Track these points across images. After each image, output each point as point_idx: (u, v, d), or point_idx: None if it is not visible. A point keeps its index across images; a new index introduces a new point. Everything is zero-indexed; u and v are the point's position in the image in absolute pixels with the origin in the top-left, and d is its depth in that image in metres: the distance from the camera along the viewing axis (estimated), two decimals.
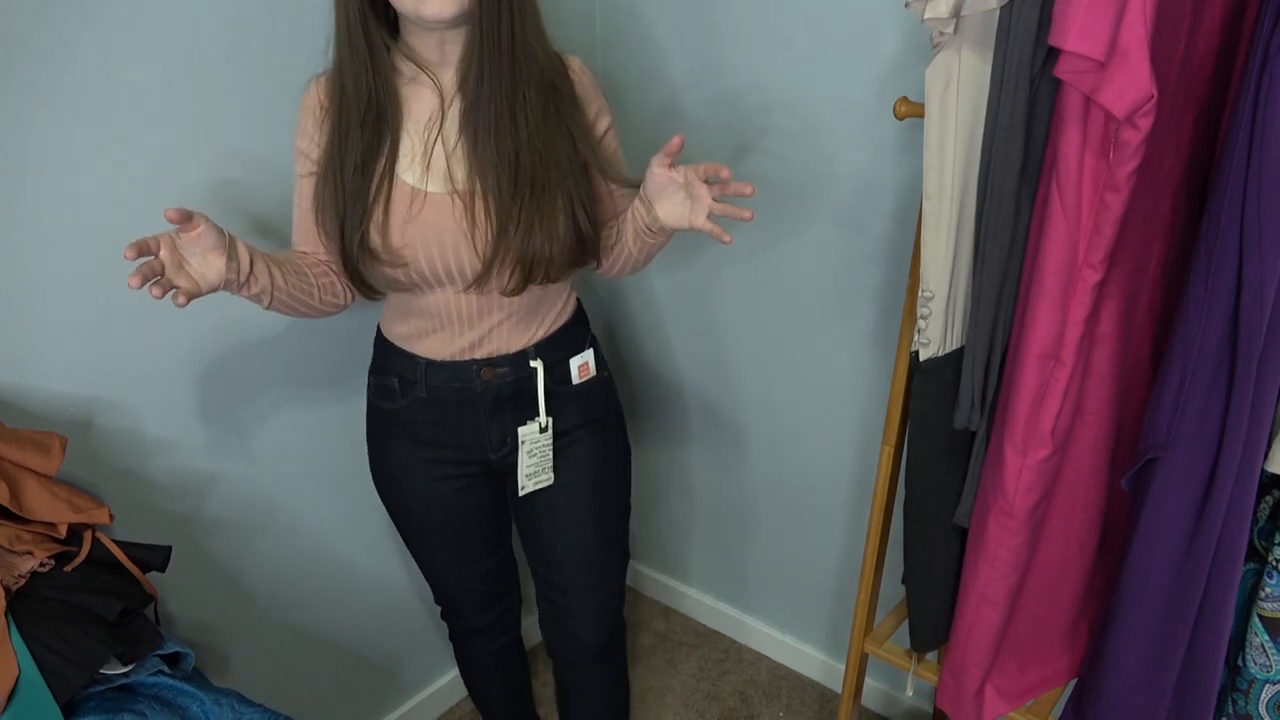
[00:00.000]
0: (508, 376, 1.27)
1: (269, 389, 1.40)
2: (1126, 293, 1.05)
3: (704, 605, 2.17)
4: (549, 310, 1.29)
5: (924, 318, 1.16)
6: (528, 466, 1.31)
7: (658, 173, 1.14)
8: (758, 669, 2.05)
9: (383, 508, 1.60)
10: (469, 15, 1.07)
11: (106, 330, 1.18)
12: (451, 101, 1.15)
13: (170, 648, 1.04)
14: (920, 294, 1.15)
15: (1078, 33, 0.84)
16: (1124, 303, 1.05)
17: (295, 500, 1.49)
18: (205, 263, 1.03)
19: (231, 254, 1.06)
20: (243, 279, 1.08)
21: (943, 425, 1.21)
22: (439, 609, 1.51)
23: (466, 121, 1.13)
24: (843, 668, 1.68)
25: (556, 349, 1.30)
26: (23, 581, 0.96)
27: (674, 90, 1.68)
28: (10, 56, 1.02)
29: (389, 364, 1.30)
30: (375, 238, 1.14)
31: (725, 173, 1.10)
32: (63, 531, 1.03)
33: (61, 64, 1.06)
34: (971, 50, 1.02)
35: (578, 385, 1.33)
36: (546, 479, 1.33)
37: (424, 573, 1.47)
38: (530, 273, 1.17)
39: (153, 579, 1.11)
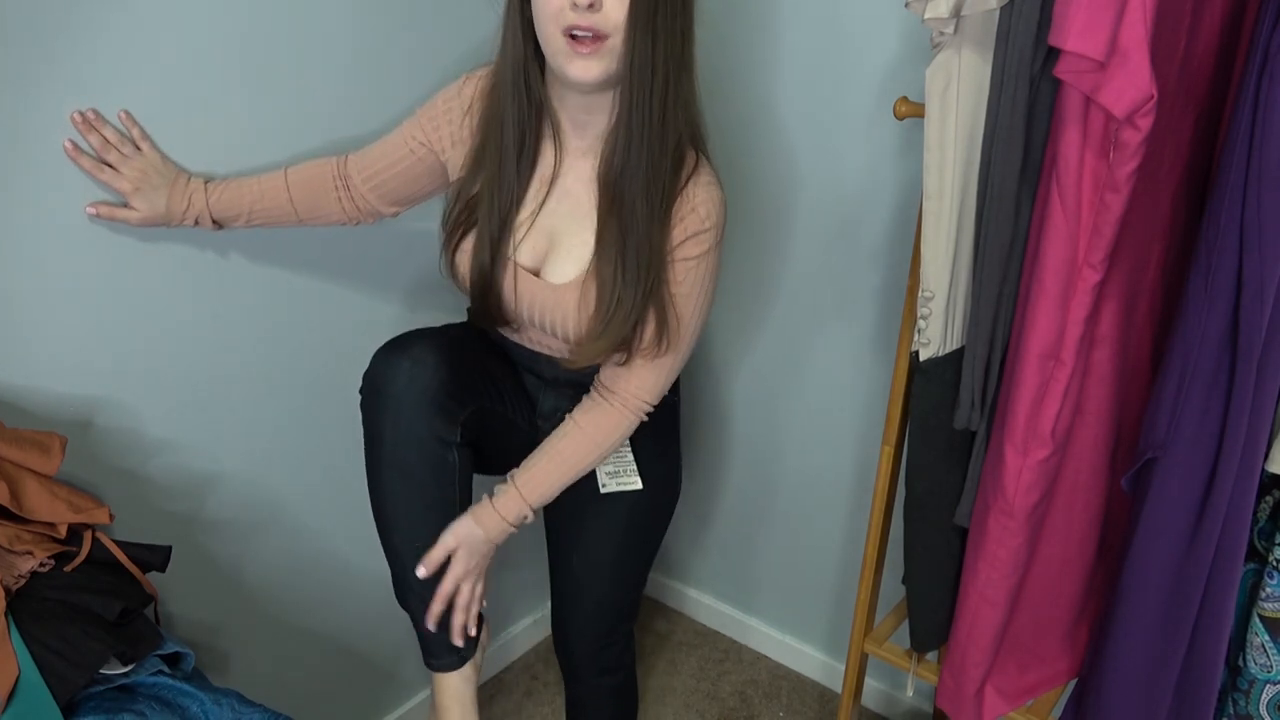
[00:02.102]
0: (572, 364, 1.27)
1: (270, 389, 1.40)
2: (1126, 293, 1.06)
3: (704, 605, 2.17)
4: None
5: (924, 318, 1.16)
6: (606, 464, 1.30)
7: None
8: (758, 669, 2.05)
9: None
10: (616, 80, 1.05)
11: (106, 330, 1.18)
12: (562, 173, 1.17)
13: (170, 648, 1.04)
14: (920, 294, 1.15)
15: (1078, 33, 0.84)
16: (1124, 303, 1.05)
17: (295, 500, 1.49)
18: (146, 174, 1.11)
19: (175, 199, 1.13)
20: (188, 188, 1.15)
21: (943, 425, 1.21)
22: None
23: (609, 201, 1.12)
24: (843, 668, 1.68)
25: None
26: (23, 581, 0.96)
27: None
28: (9, 54, 1.02)
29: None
30: (459, 260, 1.21)
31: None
32: (63, 531, 1.03)
33: (62, 60, 1.06)
34: (971, 50, 1.02)
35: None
36: (633, 483, 1.31)
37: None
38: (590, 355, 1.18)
39: (153, 579, 1.11)
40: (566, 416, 1.26)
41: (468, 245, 1.20)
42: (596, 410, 1.24)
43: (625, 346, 1.16)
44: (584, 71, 1.03)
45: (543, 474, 1.22)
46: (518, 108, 1.12)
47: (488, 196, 1.17)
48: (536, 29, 1.06)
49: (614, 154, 1.10)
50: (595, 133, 1.15)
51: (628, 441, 1.29)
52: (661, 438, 1.37)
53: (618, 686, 1.48)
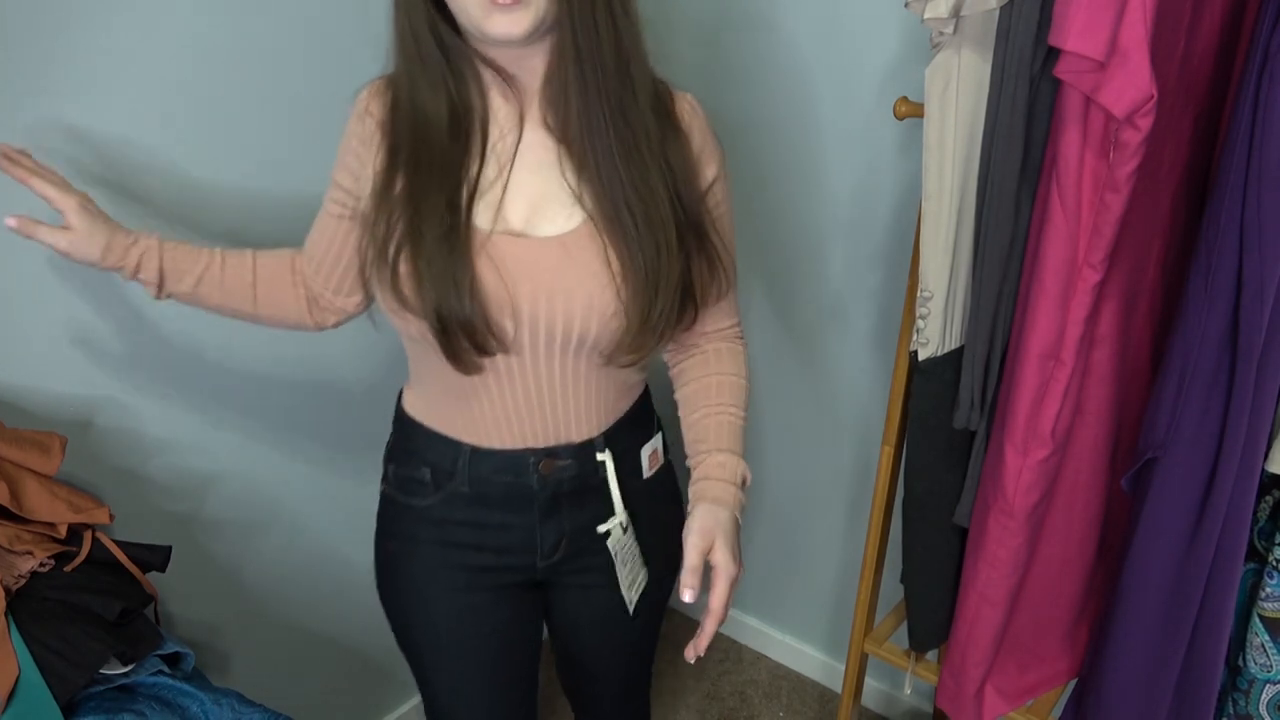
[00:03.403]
0: (570, 470, 1.05)
1: (270, 389, 1.40)
2: (1126, 293, 1.05)
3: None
4: (623, 389, 1.07)
5: (923, 317, 1.16)
6: (625, 576, 1.10)
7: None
8: (758, 669, 2.05)
9: None
10: (551, 27, 0.87)
11: (106, 330, 1.18)
12: (527, 114, 0.95)
13: (170, 648, 1.04)
14: (919, 293, 1.15)
15: (1078, 33, 0.84)
16: (1124, 303, 1.05)
17: (295, 500, 1.50)
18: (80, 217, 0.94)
19: (114, 226, 0.96)
20: (128, 240, 0.97)
21: (943, 425, 1.21)
22: None
23: (578, 154, 0.93)
24: (843, 668, 1.68)
25: (627, 435, 1.08)
26: (23, 581, 0.96)
27: None
28: (10, 54, 1.02)
29: (418, 449, 1.06)
30: (403, 274, 0.92)
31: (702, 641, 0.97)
32: (63, 531, 1.03)
33: (62, 60, 1.06)
34: (971, 50, 1.02)
35: (648, 478, 1.12)
36: (644, 581, 1.14)
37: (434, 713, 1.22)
38: (643, 344, 0.96)
39: (153, 579, 1.11)
40: (685, 384, 1.09)
41: (411, 251, 0.91)
42: (712, 358, 1.08)
43: (691, 301, 0.99)
44: (511, 26, 0.84)
45: (727, 427, 1.04)
46: (431, 68, 0.91)
47: (422, 183, 0.92)
48: None
49: (563, 97, 0.92)
50: (535, 77, 0.94)
51: (634, 538, 1.11)
52: (668, 505, 1.18)
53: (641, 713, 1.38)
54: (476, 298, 0.90)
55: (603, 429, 1.06)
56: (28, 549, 0.99)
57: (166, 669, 1.03)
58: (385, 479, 1.13)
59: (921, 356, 1.18)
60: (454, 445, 1.04)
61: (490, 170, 0.95)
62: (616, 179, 0.92)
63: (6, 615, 0.91)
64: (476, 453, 1.03)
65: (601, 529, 1.06)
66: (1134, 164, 0.90)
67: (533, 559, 1.09)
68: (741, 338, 1.13)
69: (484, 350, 0.93)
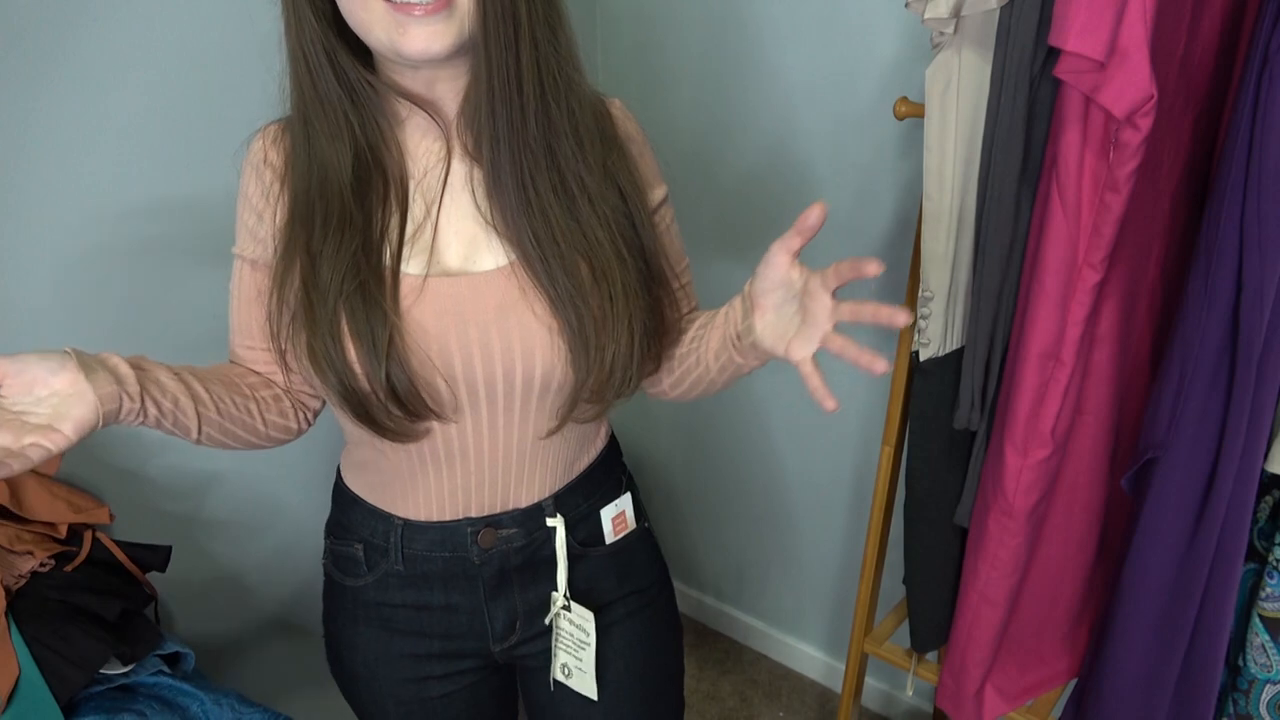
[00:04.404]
0: (516, 540, 0.94)
1: None
2: (1126, 293, 1.06)
3: (704, 605, 2.17)
4: (578, 444, 0.96)
5: (924, 318, 1.16)
6: (558, 655, 0.99)
7: (776, 263, 0.76)
8: (758, 669, 2.05)
9: None
10: (468, 47, 0.77)
11: (106, 329, 1.18)
12: (452, 142, 0.85)
13: (170, 648, 1.04)
14: (920, 294, 1.15)
15: (1078, 33, 0.84)
16: (1124, 303, 1.05)
17: (295, 500, 1.49)
18: (58, 400, 0.70)
19: (93, 367, 0.73)
20: (133, 393, 0.77)
21: (943, 425, 1.21)
22: None
23: (493, 193, 0.83)
24: (843, 668, 1.68)
25: (583, 496, 0.98)
26: (23, 581, 0.96)
27: (673, 90, 1.68)
28: (10, 55, 1.02)
29: (353, 524, 0.97)
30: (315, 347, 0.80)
31: (871, 268, 0.70)
32: (63, 531, 1.03)
33: (64, 62, 1.06)
34: (971, 50, 1.02)
35: (613, 544, 1.01)
36: (584, 683, 0.99)
37: None
38: (604, 393, 0.86)
39: (153, 579, 1.11)
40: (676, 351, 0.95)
41: (315, 318, 0.80)
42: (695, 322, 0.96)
43: (655, 345, 0.90)
44: (430, 41, 0.74)
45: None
46: (331, 110, 0.81)
47: (330, 237, 0.81)
48: (343, 10, 0.76)
49: (479, 131, 0.82)
50: (455, 99, 0.84)
51: (589, 631, 0.97)
52: (641, 576, 1.06)
53: None
54: (407, 357, 0.81)
55: (554, 490, 0.95)
56: (28, 549, 1.00)
57: (166, 669, 1.03)
58: (325, 554, 1.02)
59: (923, 357, 1.18)
60: (385, 519, 0.94)
61: (417, 211, 0.85)
62: (525, 231, 0.82)
63: (7, 615, 0.91)
64: (409, 527, 0.93)
65: (560, 613, 0.96)
66: (1134, 164, 0.90)
67: (485, 643, 0.98)
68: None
69: (418, 417, 0.83)
